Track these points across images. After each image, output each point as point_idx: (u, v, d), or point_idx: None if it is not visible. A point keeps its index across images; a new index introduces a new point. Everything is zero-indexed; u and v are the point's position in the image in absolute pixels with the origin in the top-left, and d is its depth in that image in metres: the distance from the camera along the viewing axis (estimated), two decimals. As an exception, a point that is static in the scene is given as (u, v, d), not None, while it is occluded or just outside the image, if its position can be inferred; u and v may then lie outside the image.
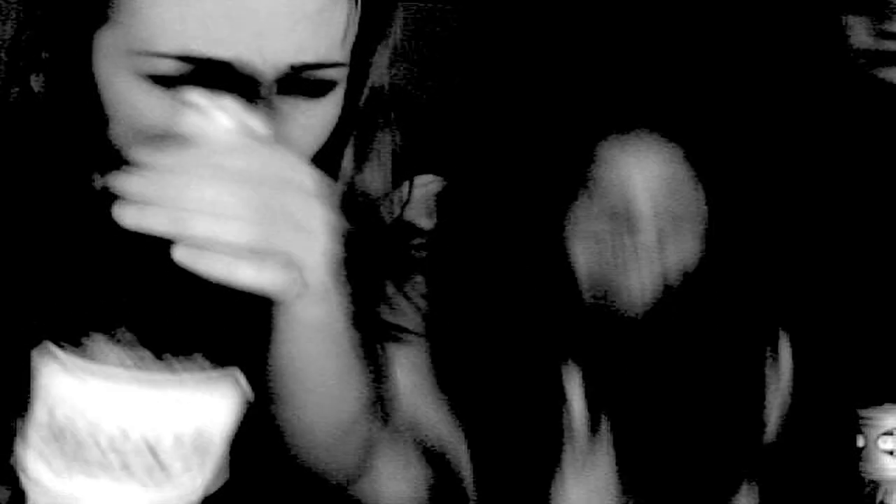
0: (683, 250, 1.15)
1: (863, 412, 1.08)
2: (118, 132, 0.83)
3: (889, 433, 1.06)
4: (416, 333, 1.12)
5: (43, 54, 0.83)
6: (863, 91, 1.25)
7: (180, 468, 0.70)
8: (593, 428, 1.20)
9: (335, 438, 0.92)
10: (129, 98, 0.81)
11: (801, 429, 1.22)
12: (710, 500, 1.21)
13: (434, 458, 1.18)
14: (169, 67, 0.79)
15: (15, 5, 0.84)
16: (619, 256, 1.14)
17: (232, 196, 0.69)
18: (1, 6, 0.88)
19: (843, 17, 1.23)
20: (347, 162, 0.92)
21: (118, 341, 0.68)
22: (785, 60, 1.30)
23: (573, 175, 1.14)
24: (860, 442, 1.07)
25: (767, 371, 1.23)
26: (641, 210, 1.13)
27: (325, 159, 0.88)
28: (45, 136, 0.84)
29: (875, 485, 1.08)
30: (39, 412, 0.70)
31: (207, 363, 0.70)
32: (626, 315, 1.14)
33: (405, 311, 1.10)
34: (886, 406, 1.07)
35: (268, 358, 0.84)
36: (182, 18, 0.78)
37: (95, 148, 0.84)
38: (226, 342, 0.72)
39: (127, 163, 0.76)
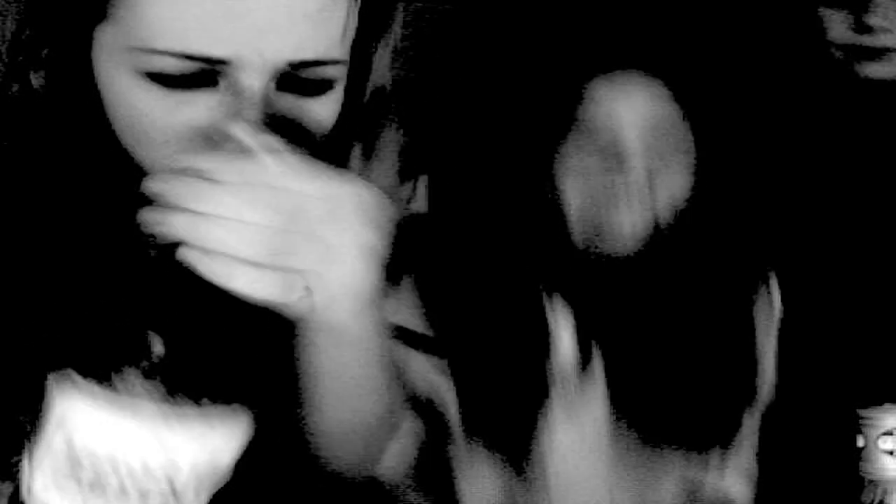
0: (673, 187, 1.16)
1: (863, 412, 1.08)
2: (119, 129, 0.83)
3: (889, 433, 1.06)
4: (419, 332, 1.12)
5: (43, 51, 0.83)
6: (841, 84, 1.25)
7: (192, 496, 0.71)
8: (584, 367, 1.20)
9: (361, 438, 0.94)
10: (128, 96, 0.81)
11: (801, 429, 1.22)
12: (709, 437, 1.21)
13: (422, 406, 1.19)
14: (167, 65, 0.79)
15: (14, 3, 0.84)
16: (610, 195, 1.14)
17: (252, 209, 0.71)
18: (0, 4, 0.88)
19: (821, 11, 1.23)
20: (355, 161, 0.92)
21: (143, 373, 0.69)
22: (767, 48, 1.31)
23: (563, 114, 1.15)
24: (860, 442, 1.07)
25: (759, 309, 1.24)
26: (630, 148, 1.13)
27: (332, 159, 0.88)
28: (45, 133, 0.84)
29: (875, 485, 1.08)
30: (56, 440, 0.70)
31: (225, 396, 0.71)
32: (616, 254, 1.15)
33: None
34: (886, 406, 1.07)
35: (282, 365, 0.85)
36: (180, 16, 0.78)
37: (97, 145, 0.84)
38: (241, 375, 0.73)
39: (129, 160, 0.78)
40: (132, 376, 0.68)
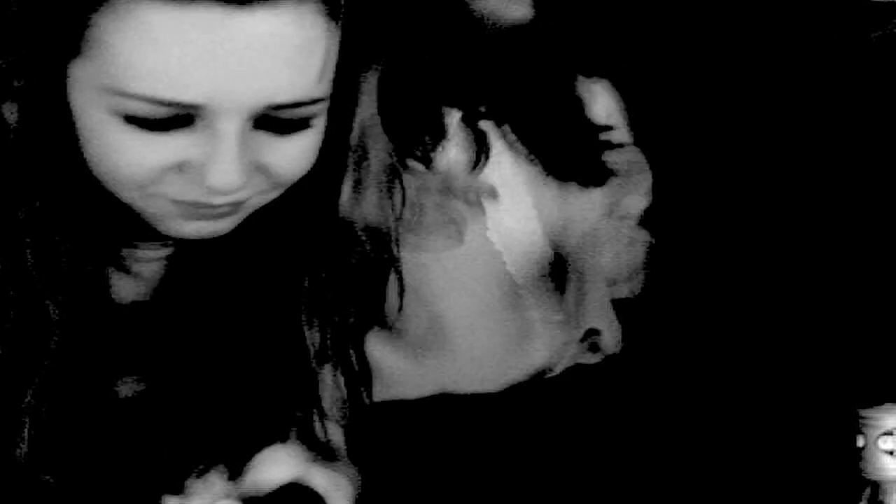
0: None
1: (863, 412, 1.07)
2: (92, 163, 0.83)
3: (889, 433, 1.05)
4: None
5: (16, 83, 0.82)
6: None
7: None
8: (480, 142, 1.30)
9: None
10: (101, 133, 0.81)
11: (801, 429, 1.22)
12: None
13: None
14: (140, 108, 0.78)
15: None
16: None
17: None
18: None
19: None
20: (346, 195, 0.92)
21: None
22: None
23: None
24: (860, 442, 1.06)
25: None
26: None
27: (322, 194, 0.89)
28: (18, 165, 0.84)
29: (875, 485, 1.07)
30: None
31: None
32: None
33: None
34: (886, 406, 1.06)
35: None
36: (153, 61, 0.77)
37: (70, 178, 0.84)
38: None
39: (103, 191, 0.81)
40: None
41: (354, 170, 0.92)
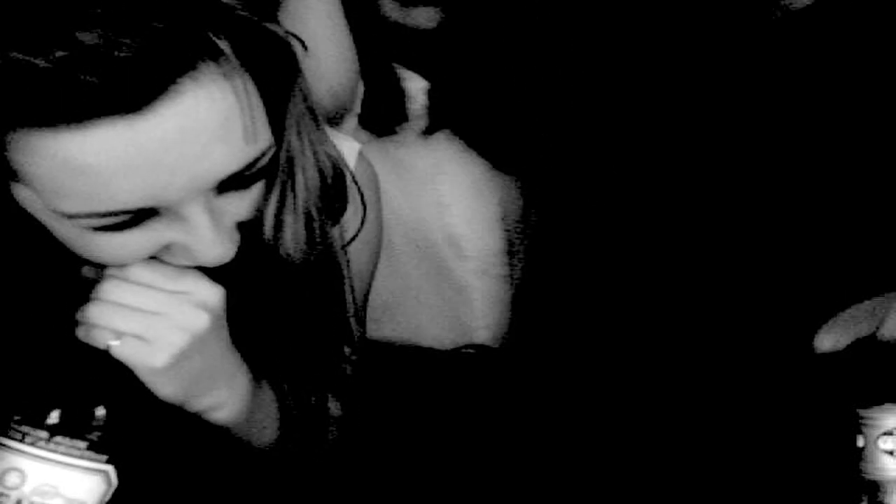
0: None
1: (863, 412, 1.08)
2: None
3: (889, 433, 1.05)
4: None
5: None
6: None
7: None
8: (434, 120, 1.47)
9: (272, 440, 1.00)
10: (74, 241, 0.80)
11: (801, 429, 1.22)
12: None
13: None
14: (90, 222, 0.77)
15: None
16: None
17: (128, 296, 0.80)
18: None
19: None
20: (268, 223, 0.90)
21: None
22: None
23: None
24: (860, 442, 1.07)
25: None
26: None
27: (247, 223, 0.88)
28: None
29: (875, 485, 1.08)
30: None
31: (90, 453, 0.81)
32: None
33: None
34: (886, 406, 1.07)
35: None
36: (78, 184, 0.74)
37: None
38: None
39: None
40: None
41: (279, 197, 0.90)
